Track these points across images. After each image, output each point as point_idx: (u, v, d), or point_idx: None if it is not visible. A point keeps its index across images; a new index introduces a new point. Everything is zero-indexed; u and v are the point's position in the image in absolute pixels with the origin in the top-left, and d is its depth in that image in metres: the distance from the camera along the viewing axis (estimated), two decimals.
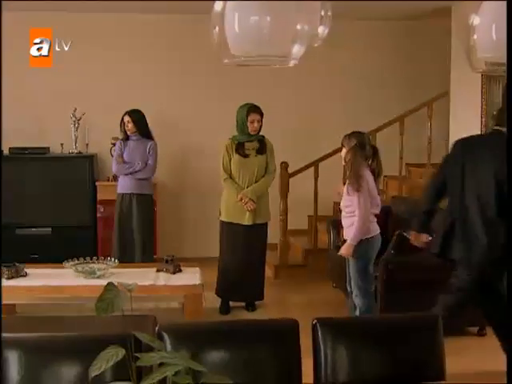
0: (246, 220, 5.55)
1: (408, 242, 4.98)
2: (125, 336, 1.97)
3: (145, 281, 5.02)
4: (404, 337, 2.37)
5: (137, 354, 1.60)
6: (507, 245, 4.83)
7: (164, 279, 5.09)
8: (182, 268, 5.34)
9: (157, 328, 2.20)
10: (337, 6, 6.90)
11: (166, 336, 2.21)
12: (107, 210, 6.85)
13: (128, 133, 6.18)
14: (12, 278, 5.05)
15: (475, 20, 2.38)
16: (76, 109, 7.00)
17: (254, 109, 5.55)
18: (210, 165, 7.36)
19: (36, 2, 6.32)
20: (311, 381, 2.31)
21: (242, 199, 5.51)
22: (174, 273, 5.23)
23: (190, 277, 5.15)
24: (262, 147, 5.63)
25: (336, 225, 6.25)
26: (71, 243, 6.81)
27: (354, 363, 2.33)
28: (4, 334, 2.24)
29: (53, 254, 6.56)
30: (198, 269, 5.38)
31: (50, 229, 6.95)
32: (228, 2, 1.76)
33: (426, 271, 4.93)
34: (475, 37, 2.38)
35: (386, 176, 7.57)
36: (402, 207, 6.19)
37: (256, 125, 5.54)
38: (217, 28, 1.82)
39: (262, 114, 5.58)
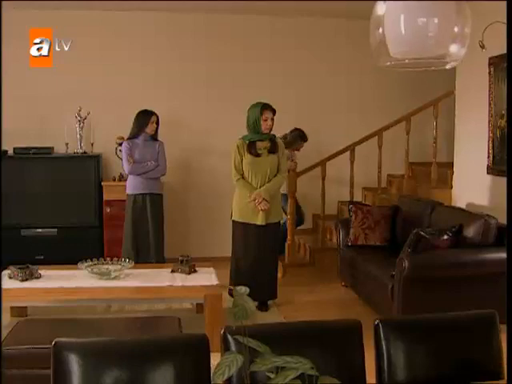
0: (260, 220, 5.53)
1: (425, 241, 5.02)
2: (199, 337, 1.95)
3: (161, 282, 5.00)
4: (462, 334, 2.37)
5: (258, 359, 1.58)
6: (507, 245, 4.91)
7: (181, 280, 5.05)
8: (196, 268, 5.31)
9: (222, 330, 2.17)
10: (339, 6, 6.96)
11: (230, 338, 2.19)
12: (114, 210, 6.81)
13: (150, 132, 6.18)
14: (26, 280, 4.97)
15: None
16: (81, 108, 6.94)
17: (267, 106, 5.51)
18: (215, 165, 7.40)
19: (36, 2, 6.26)
20: (373, 381, 2.30)
21: (255, 199, 5.49)
22: (189, 273, 5.19)
23: (207, 277, 5.10)
24: (274, 146, 5.59)
25: (345, 224, 6.29)
26: (77, 244, 6.77)
27: (414, 362, 2.33)
28: (63, 339, 2.21)
29: (58, 254, 6.55)
30: (212, 269, 5.34)
31: (56, 229, 6.88)
32: (391, 4, 1.74)
33: (443, 269, 4.95)
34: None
35: (390, 175, 7.62)
36: (409, 206, 6.23)
37: (270, 122, 5.50)
38: (380, 29, 1.79)
39: (274, 112, 5.55)
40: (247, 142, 5.55)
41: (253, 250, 5.60)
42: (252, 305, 1.76)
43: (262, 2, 6.63)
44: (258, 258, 5.59)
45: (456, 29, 1.77)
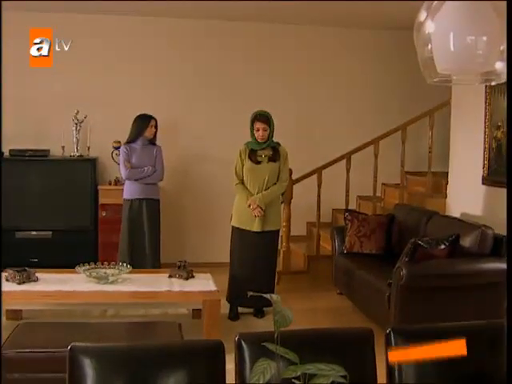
0: (255, 226, 5.55)
1: (422, 250, 5.05)
2: (215, 343, 1.96)
3: (159, 287, 5.00)
4: (474, 344, 2.39)
5: (291, 367, 1.59)
6: (507, 244, 4.96)
7: (178, 285, 5.05)
8: (194, 274, 5.31)
9: (236, 337, 2.18)
10: (339, 15, 7.01)
11: (244, 345, 2.20)
12: (109, 214, 6.80)
13: (148, 136, 6.17)
14: (23, 282, 4.95)
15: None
16: (78, 111, 6.92)
17: (259, 117, 5.51)
18: (213, 170, 7.43)
19: (36, 2, 6.24)
20: None
21: (250, 205, 5.51)
22: (187, 278, 5.20)
23: (204, 283, 5.12)
24: (275, 155, 5.60)
25: (340, 232, 6.31)
26: (72, 247, 6.74)
27: (425, 371, 2.35)
28: (79, 344, 2.21)
29: (53, 257, 6.51)
30: (209, 275, 5.36)
31: (51, 232, 6.85)
32: (439, 21, 1.77)
33: (440, 279, 4.98)
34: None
35: (384, 184, 7.67)
36: (405, 215, 6.26)
37: (261, 133, 5.49)
38: (429, 46, 1.82)
39: (268, 122, 5.51)
40: (249, 148, 5.59)
41: (249, 256, 5.62)
42: (290, 312, 1.78)
43: (261, 9, 6.65)
44: (254, 264, 5.60)
45: (502, 46, 1.81)
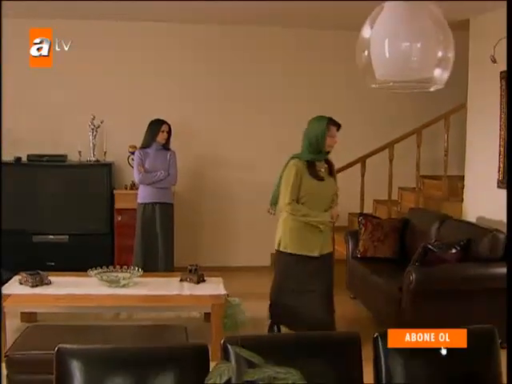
0: (317, 251, 4.77)
1: (432, 254, 5.02)
2: (199, 347, 1.98)
3: (170, 290, 5.05)
4: (462, 349, 2.38)
5: (250, 370, 1.61)
6: (507, 246, 4.91)
7: (189, 289, 5.09)
8: (205, 278, 5.34)
9: (222, 340, 2.20)
10: (354, 18, 6.99)
11: (230, 348, 2.22)
12: (125, 219, 6.86)
13: (160, 141, 6.23)
14: (36, 286, 5.04)
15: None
16: (94, 117, 7.01)
17: (334, 122, 4.78)
18: (227, 175, 7.46)
19: (36, 2, 6.28)
20: None
21: (332, 217, 4.81)
22: (197, 282, 5.24)
23: (215, 287, 5.15)
24: (331, 167, 4.90)
25: (354, 236, 6.30)
26: (88, 251, 6.80)
27: (413, 375, 2.35)
28: (66, 345, 2.25)
29: (69, 261, 6.59)
30: (220, 278, 5.38)
31: (67, 236, 6.92)
32: (376, 27, 1.79)
33: (450, 283, 4.96)
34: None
35: (401, 188, 7.62)
36: (418, 219, 6.23)
37: (336, 140, 4.78)
38: (366, 52, 1.84)
39: (339, 128, 4.84)
40: (305, 162, 4.74)
41: (308, 282, 4.82)
42: (243, 316, 1.79)
43: (274, 13, 6.66)
44: (309, 290, 4.82)
45: (440, 53, 1.81)
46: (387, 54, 1.81)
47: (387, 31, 1.81)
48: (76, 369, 2.19)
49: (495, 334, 2.45)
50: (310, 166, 4.71)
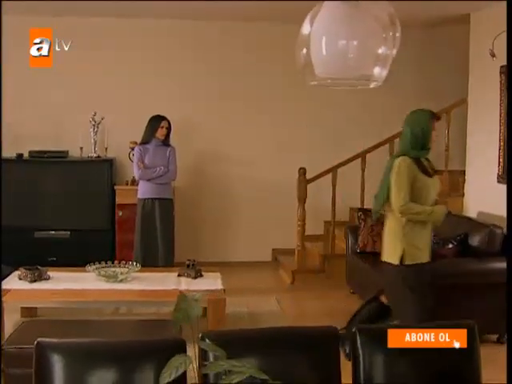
0: (428, 256, 4.41)
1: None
2: (175, 341, 2.00)
3: (167, 285, 5.06)
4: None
5: (206, 363, 1.62)
6: (506, 247, 4.90)
7: (186, 284, 5.11)
8: (202, 273, 5.36)
9: (200, 335, 2.21)
10: None
11: (208, 343, 2.23)
12: (126, 214, 6.90)
13: (160, 137, 6.25)
14: (35, 281, 5.07)
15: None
16: (95, 113, 7.04)
17: (435, 114, 4.40)
18: (227, 171, 7.47)
19: (36, 3, 6.31)
20: None
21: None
22: (195, 278, 5.25)
23: (212, 282, 5.16)
24: (431, 164, 4.48)
25: (354, 231, 6.30)
26: (89, 247, 6.84)
27: (391, 372, 2.35)
28: (46, 339, 2.27)
29: (71, 257, 6.60)
30: (218, 274, 5.38)
31: (69, 232, 6.97)
32: (315, 26, 1.80)
33: (446, 278, 4.94)
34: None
35: None
36: None
37: (436, 133, 4.40)
38: (304, 50, 1.85)
39: None
40: (413, 159, 4.28)
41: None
42: (198, 310, 1.80)
43: (274, 12, 6.66)
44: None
45: (379, 51, 1.81)
46: (325, 52, 1.81)
47: (324, 29, 1.81)
48: (56, 362, 2.20)
49: (475, 330, 2.43)
50: (419, 163, 4.29)
